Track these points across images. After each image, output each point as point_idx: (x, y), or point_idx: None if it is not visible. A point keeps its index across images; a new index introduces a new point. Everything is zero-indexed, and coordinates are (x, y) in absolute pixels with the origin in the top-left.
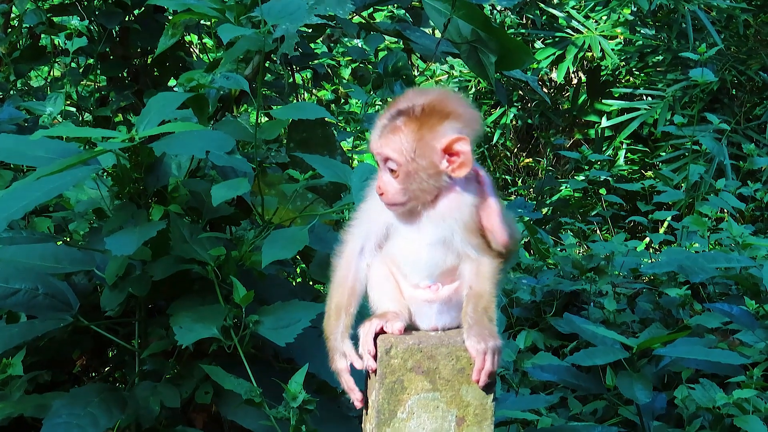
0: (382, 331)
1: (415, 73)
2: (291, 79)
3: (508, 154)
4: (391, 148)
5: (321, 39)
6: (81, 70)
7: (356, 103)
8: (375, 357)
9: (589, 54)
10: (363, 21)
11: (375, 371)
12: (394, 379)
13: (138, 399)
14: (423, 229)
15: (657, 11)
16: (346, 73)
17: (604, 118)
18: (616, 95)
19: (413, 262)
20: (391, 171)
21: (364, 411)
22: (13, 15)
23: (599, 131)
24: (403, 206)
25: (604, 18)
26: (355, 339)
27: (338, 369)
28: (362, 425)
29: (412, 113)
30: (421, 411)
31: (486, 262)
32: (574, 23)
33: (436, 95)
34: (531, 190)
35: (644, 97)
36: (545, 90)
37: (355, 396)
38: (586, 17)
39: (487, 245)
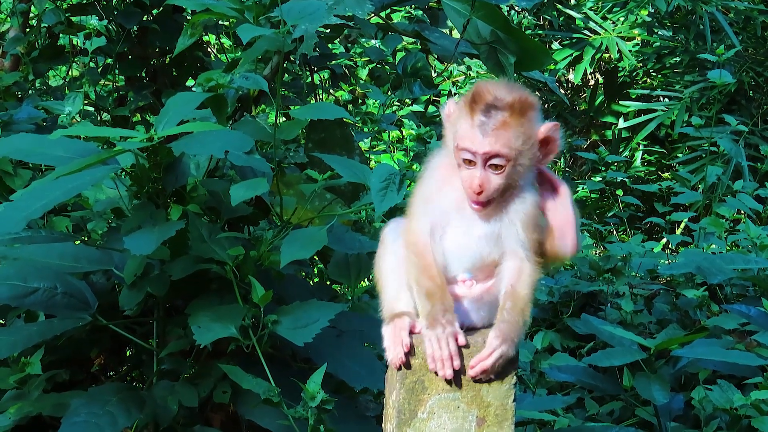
0: (410, 331)
1: (433, 73)
2: (309, 80)
3: None
4: (503, 144)
5: (338, 39)
6: (99, 70)
7: (373, 103)
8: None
9: (607, 55)
10: (381, 21)
11: (403, 364)
12: (415, 379)
13: (156, 398)
14: (478, 220)
15: (674, 13)
16: (363, 73)
17: (621, 120)
18: (633, 96)
19: (458, 254)
20: (496, 167)
21: (384, 410)
22: (31, 14)
23: (616, 132)
24: (493, 203)
25: (622, 19)
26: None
27: (448, 332)
28: (382, 425)
29: (513, 107)
30: (442, 411)
31: (530, 264)
32: (591, 24)
33: (514, 86)
34: None
35: (661, 99)
36: (562, 91)
37: (456, 363)
38: (604, 18)
39: (539, 248)
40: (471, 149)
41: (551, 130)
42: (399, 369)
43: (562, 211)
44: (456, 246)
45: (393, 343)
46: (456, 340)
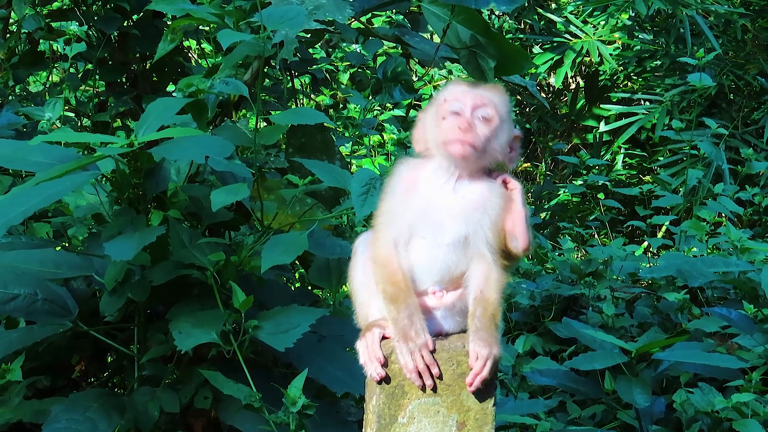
0: (383, 338)
1: (414, 78)
2: (290, 84)
3: None
4: (490, 101)
5: (319, 44)
6: (80, 76)
7: (354, 108)
8: (383, 365)
9: (588, 59)
10: (362, 26)
11: (383, 379)
12: (395, 384)
13: (137, 404)
14: (446, 226)
15: (655, 16)
16: (344, 78)
17: (602, 123)
18: (614, 100)
19: (427, 266)
20: (483, 119)
21: (364, 415)
22: (11, 20)
23: (597, 136)
24: (476, 153)
25: (602, 23)
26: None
27: (419, 344)
28: (363, 430)
29: (496, 86)
30: (422, 416)
31: (497, 268)
32: (572, 28)
33: None
34: (529, 194)
35: (642, 102)
36: (543, 95)
37: (434, 371)
38: (584, 22)
39: (502, 251)
40: (461, 98)
41: (518, 135)
42: (380, 383)
43: (512, 210)
44: (425, 258)
45: (368, 358)
46: (429, 349)
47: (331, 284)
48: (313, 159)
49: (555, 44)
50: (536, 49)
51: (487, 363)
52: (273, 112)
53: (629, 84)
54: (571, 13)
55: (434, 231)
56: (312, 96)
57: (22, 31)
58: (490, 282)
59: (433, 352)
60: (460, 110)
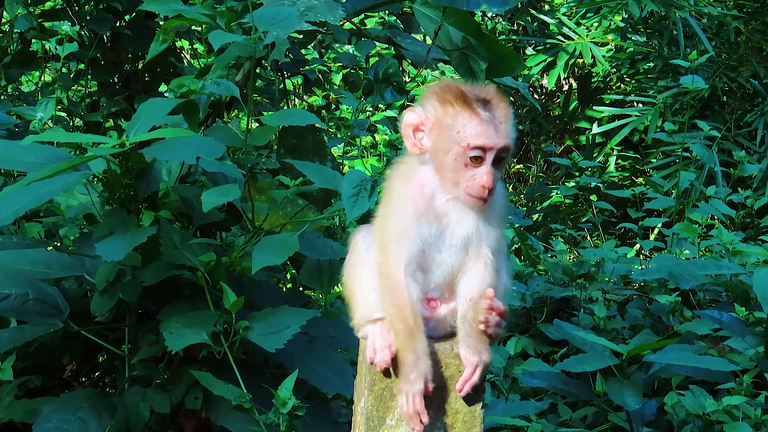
0: None
1: (406, 79)
2: (282, 85)
3: None
4: (510, 136)
5: (312, 45)
6: (72, 76)
7: (347, 109)
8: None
9: (580, 60)
10: (354, 27)
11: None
12: (384, 386)
13: (128, 404)
14: (454, 230)
15: (648, 18)
16: (337, 79)
17: (594, 125)
18: (606, 102)
19: (431, 269)
20: (500, 161)
21: (353, 417)
22: (4, 20)
23: (590, 138)
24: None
25: (596, 25)
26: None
27: (414, 391)
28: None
29: (503, 99)
30: None
31: (492, 271)
32: (565, 30)
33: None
34: (522, 196)
35: (635, 104)
36: (536, 96)
37: (424, 419)
38: (578, 24)
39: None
40: (487, 146)
41: None
42: (387, 375)
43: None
44: (428, 261)
45: (383, 344)
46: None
47: (322, 285)
48: (305, 160)
49: (548, 46)
50: (529, 51)
51: (476, 370)
52: (265, 113)
53: (622, 86)
54: (564, 14)
55: (441, 235)
56: (304, 97)
57: (15, 30)
58: (483, 285)
59: (427, 395)
60: (483, 157)
